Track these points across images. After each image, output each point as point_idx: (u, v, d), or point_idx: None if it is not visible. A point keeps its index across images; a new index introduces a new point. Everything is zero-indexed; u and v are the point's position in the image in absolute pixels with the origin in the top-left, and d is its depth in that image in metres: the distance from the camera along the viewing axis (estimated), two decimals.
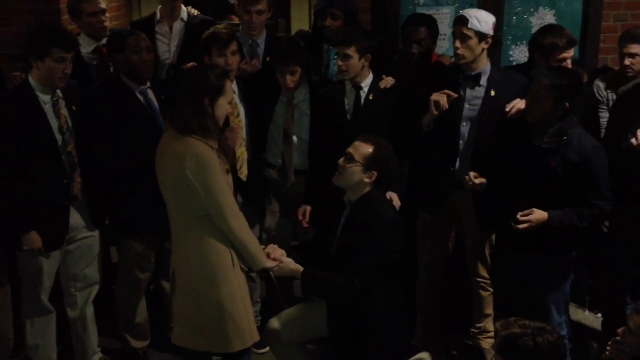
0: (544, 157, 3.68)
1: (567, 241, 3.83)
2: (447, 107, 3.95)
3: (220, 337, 3.49)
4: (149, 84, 4.21)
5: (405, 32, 4.51)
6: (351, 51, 4.12)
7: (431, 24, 4.52)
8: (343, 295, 3.49)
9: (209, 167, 3.30)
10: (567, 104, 3.62)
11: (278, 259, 3.60)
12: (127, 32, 4.22)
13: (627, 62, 4.47)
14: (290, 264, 3.61)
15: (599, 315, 4.81)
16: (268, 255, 3.58)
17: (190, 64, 4.36)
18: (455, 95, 3.95)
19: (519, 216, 3.66)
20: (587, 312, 4.98)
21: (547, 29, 4.23)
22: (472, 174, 3.86)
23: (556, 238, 3.76)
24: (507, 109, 3.85)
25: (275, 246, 3.68)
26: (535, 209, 3.66)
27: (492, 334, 4.39)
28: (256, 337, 3.61)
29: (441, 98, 3.92)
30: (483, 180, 3.84)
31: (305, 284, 3.59)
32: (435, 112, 3.94)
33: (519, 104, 3.84)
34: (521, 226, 3.66)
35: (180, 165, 3.29)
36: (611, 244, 4.30)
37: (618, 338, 2.82)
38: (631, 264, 4.25)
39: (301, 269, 3.58)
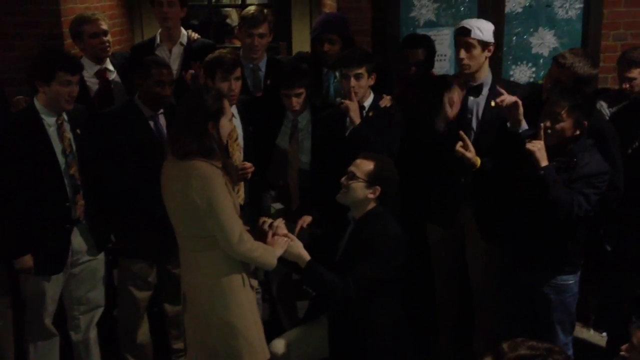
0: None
1: (574, 261, 3.81)
2: (459, 102, 4.00)
3: (234, 357, 3.46)
4: (161, 110, 4.24)
5: (402, 55, 4.53)
6: (363, 70, 4.18)
7: (427, 44, 4.55)
8: (338, 298, 3.51)
9: (213, 186, 3.28)
10: (585, 122, 3.62)
11: (288, 235, 3.57)
12: (152, 62, 4.21)
13: (625, 85, 4.47)
14: (300, 247, 3.58)
15: (604, 334, 4.79)
16: (277, 230, 3.55)
17: (189, 72, 4.36)
18: (463, 91, 3.99)
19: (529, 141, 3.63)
20: (591, 331, 4.96)
21: None
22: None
23: (563, 257, 3.75)
24: (498, 100, 3.86)
25: (284, 222, 3.63)
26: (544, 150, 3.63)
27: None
28: (267, 355, 3.59)
29: (453, 94, 3.95)
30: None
31: (306, 273, 3.57)
32: (449, 111, 3.96)
33: (509, 96, 3.85)
34: (527, 146, 3.62)
35: (187, 187, 3.27)
36: (616, 263, 4.29)
37: (622, 354, 2.80)
38: (637, 283, 4.24)
39: (308, 257, 3.56)
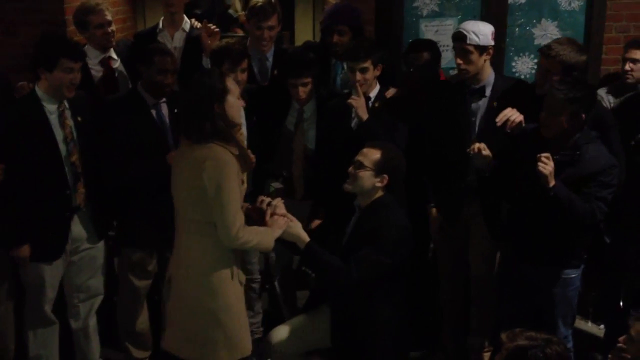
0: (556, 168, 3.61)
1: (580, 255, 3.81)
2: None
3: (209, 347, 3.44)
4: (164, 99, 4.24)
5: (408, 59, 4.51)
6: (368, 63, 4.18)
7: (432, 48, 4.52)
8: (339, 281, 3.52)
9: (225, 173, 3.26)
10: (584, 116, 3.59)
11: (287, 215, 3.56)
12: (155, 50, 4.21)
13: (628, 66, 4.52)
14: (299, 228, 3.57)
15: (602, 326, 4.80)
16: (275, 210, 3.53)
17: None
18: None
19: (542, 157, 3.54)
20: (590, 324, 4.97)
21: None
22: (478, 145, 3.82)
23: (570, 252, 3.76)
24: (497, 119, 3.84)
25: (282, 203, 3.62)
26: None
27: (490, 348, 4.40)
28: (246, 352, 3.54)
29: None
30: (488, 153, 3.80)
31: (307, 254, 3.57)
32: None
33: (511, 114, 3.82)
34: (540, 164, 3.53)
35: (199, 169, 3.26)
36: (615, 257, 4.30)
37: (620, 345, 2.81)
38: (636, 277, 4.25)
39: (307, 238, 3.56)
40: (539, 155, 3.52)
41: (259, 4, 4.72)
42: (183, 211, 3.44)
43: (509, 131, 3.83)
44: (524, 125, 3.83)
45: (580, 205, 3.57)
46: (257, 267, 4.73)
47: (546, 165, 3.50)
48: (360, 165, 3.62)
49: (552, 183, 3.53)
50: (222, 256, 3.39)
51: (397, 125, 4.23)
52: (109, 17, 4.74)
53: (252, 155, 3.97)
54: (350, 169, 3.65)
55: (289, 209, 3.64)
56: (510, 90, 4.10)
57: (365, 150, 3.66)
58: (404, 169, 3.71)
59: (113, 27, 4.79)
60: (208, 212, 3.31)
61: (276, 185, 4.48)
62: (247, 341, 3.55)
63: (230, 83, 3.41)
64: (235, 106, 3.40)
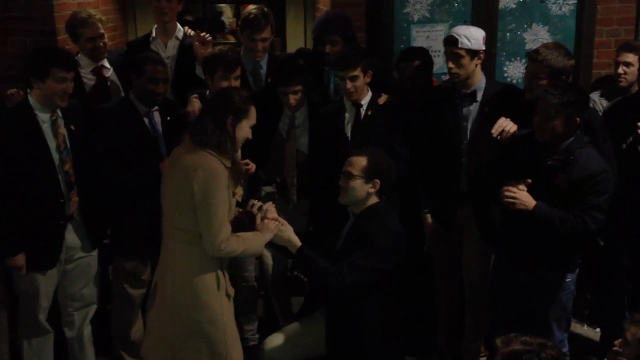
0: (549, 173, 3.65)
1: (571, 258, 3.81)
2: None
3: (192, 357, 3.41)
4: (156, 107, 4.23)
5: (399, 67, 4.51)
6: (357, 71, 4.17)
7: (424, 55, 4.52)
8: (332, 285, 3.51)
9: (215, 183, 3.27)
10: (578, 119, 3.60)
11: (278, 219, 3.55)
12: (147, 58, 4.20)
13: (620, 70, 4.55)
14: (290, 232, 3.57)
15: (597, 329, 4.81)
16: (266, 214, 3.51)
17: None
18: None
19: (505, 191, 3.63)
20: (585, 327, 4.99)
21: None
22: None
23: (560, 255, 3.76)
24: (492, 131, 3.84)
25: (273, 207, 3.60)
26: (525, 192, 3.63)
27: (486, 352, 4.39)
28: None
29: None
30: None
31: (298, 259, 3.57)
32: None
33: (505, 124, 3.83)
34: (505, 199, 3.62)
35: (190, 176, 3.26)
36: (610, 260, 4.30)
37: (615, 349, 2.82)
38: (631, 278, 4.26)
39: (299, 242, 3.55)
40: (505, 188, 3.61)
41: (252, 15, 4.65)
42: (171, 218, 3.43)
43: (502, 140, 3.84)
44: (516, 130, 3.84)
45: (569, 220, 3.59)
46: (253, 274, 4.73)
47: (514, 199, 3.59)
48: (350, 176, 3.61)
49: (531, 205, 3.59)
50: (207, 265, 3.38)
51: (391, 131, 4.22)
52: (101, 30, 4.70)
53: (251, 165, 3.97)
54: (341, 181, 3.65)
55: (280, 212, 3.63)
56: (501, 95, 4.11)
57: (351, 159, 3.66)
58: (393, 171, 3.71)
59: (105, 40, 4.77)
60: (195, 221, 3.30)
61: (267, 189, 4.47)
62: (237, 353, 3.52)
63: (253, 112, 3.44)
64: (244, 132, 3.42)
